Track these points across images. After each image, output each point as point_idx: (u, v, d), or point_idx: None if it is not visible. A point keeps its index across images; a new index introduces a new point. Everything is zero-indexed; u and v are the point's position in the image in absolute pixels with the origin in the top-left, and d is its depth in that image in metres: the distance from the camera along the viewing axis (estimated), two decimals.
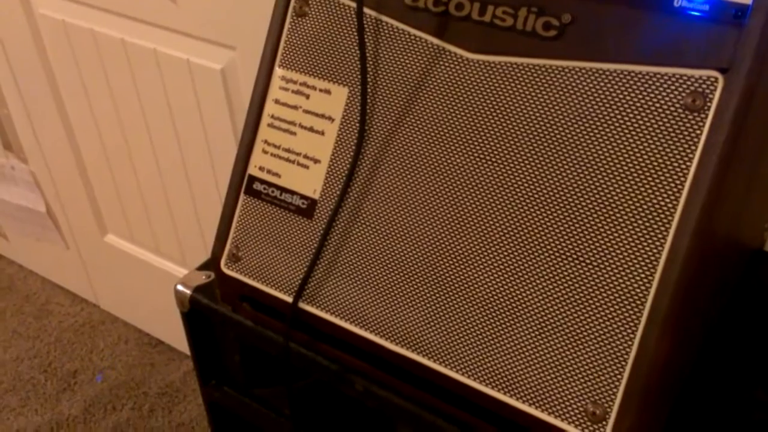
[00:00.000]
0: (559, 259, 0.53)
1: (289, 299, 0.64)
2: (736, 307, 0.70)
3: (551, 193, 0.53)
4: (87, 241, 1.63)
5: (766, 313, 0.70)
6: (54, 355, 1.63)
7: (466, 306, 0.57)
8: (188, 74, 1.16)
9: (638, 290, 0.51)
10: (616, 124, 0.51)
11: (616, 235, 0.51)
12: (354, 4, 0.61)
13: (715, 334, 0.67)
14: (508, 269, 0.55)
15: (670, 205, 0.49)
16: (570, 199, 0.53)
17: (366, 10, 0.60)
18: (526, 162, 0.54)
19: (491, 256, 0.56)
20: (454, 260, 0.57)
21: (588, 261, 0.52)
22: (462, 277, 0.57)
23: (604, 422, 0.52)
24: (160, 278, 1.52)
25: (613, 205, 0.51)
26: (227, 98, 1.14)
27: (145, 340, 1.66)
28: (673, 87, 0.49)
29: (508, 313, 0.55)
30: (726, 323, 0.69)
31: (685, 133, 0.49)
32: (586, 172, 0.52)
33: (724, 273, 0.63)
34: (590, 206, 0.52)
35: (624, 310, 0.51)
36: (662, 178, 0.49)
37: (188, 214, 1.37)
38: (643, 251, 0.50)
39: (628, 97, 0.50)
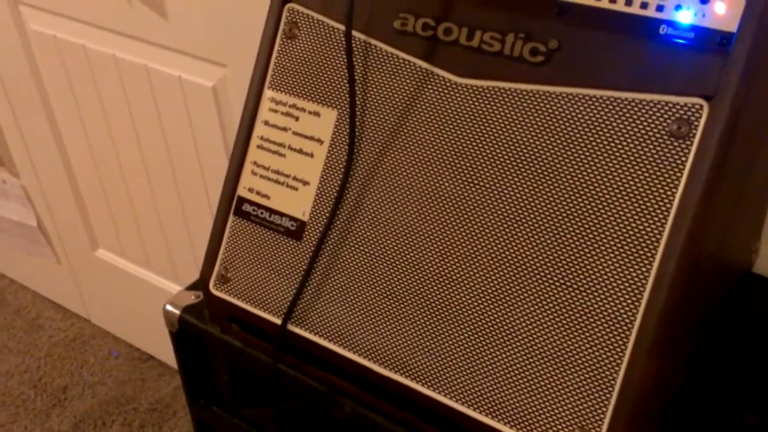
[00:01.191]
0: (547, 284, 0.53)
1: (278, 321, 0.64)
2: (724, 329, 0.70)
3: (538, 218, 0.53)
4: (78, 255, 1.63)
5: (755, 335, 0.70)
6: (44, 370, 1.62)
7: (454, 330, 0.57)
8: (180, 91, 1.16)
9: (625, 315, 0.51)
10: (602, 150, 0.51)
11: (602, 260, 0.51)
12: (343, 27, 0.61)
13: (704, 356, 0.67)
14: (495, 293, 0.55)
15: (656, 231, 0.49)
16: (557, 224, 0.53)
17: (355, 33, 0.60)
18: (513, 186, 0.54)
19: (479, 280, 0.56)
20: (443, 284, 0.57)
21: (575, 286, 0.52)
22: (450, 301, 0.57)
23: None
24: (151, 293, 1.51)
25: (600, 230, 0.51)
26: (218, 115, 1.14)
27: (136, 355, 1.65)
28: (658, 114, 0.49)
29: (495, 338, 0.55)
30: (714, 345, 0.69)
31: (671, 159, 0.49)
32: (573, 198, 0.52)
33: (711, 296, 0.64)
34: (577, 232, 0.52)
35: (611, 334, 0.51)
36: (648, 203, 0.50)
37: (179, 230, 1.37)
38: (629, 276, 0.50)
39: (613, 123, 0.51)
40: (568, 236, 0.52)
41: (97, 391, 1.57)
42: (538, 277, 0.53)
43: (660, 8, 0.49)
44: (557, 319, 0.53)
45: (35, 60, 1.35)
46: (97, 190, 1.47)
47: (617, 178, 0.51)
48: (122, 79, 1.23)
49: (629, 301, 0.51)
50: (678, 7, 0.48)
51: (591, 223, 0.52)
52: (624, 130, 0.50)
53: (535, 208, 0.54)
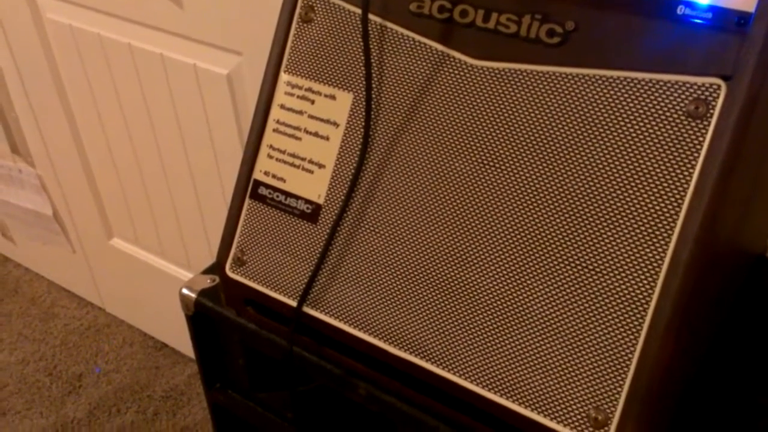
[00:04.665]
0: (563, 265, 0.53)
1: (294, 303, 0.64)
2: (739, 313, 0.70)
3: (554, 199, 0.54)
4: (93, 244, 1.64)
5: None
6: (59, 358, 1.64)
7: (469, 311, 0.57)
8: (194, 79, 1.16)
9: (640, 296, 0.51)
10: (619, 131, 0.51)
11: (618, 241, 0.51)
12: (359, 11, 0.61)
13: (719, 339, 0.67)
14: (511, 275, 0.55)
15: (672, 212, 0.49)
16: (573, 205, 0.53)
17: (371, 16, 0.61)
18: (530, 168, 0.54)
19: (495, 261, 0.56)
20: (458, 265, 0.57)
21: (591, 267, 0.52)
22: (466, 283, 0.57)
23: (606, 428, 0.52)
24: (166, 282, 1.52)
25: (616, 212, 0.51)
26: (233, 103, 1.14)
27: (150, 344, 1.66)
28: (676, 94, 0.49)
29: (511, 319, 0.55)
30: (729, 329, 0.69)
31: (688, 140, 0.49)
32: (589, 179, 0.52)
33: (726, 279, 0.63)
34: (593, 212, 0.52)
35: (626, 316, 0.51)
36: (665, 184, 0.50)
37: (194, 218, 1.37)
38: (645, 257, 0.50)
39: (631, 104, 0.51)
40: (584, 217, 0.52)
41: (112, 378, 1.58)
42: (553, 258, 0.54)
43: None
44: (572, 300, 0.53)
45: (51, 49, 1.36)
46: (113, 179, 1.47)
47: (634, 159, 0.51)
48: (137, 68, 1.24)
49: (645, 283, 0.51)
50: None
51: (607, 204, 0.52)
52: (641, 111, 0.50)
53: (551, 189, 0.54)
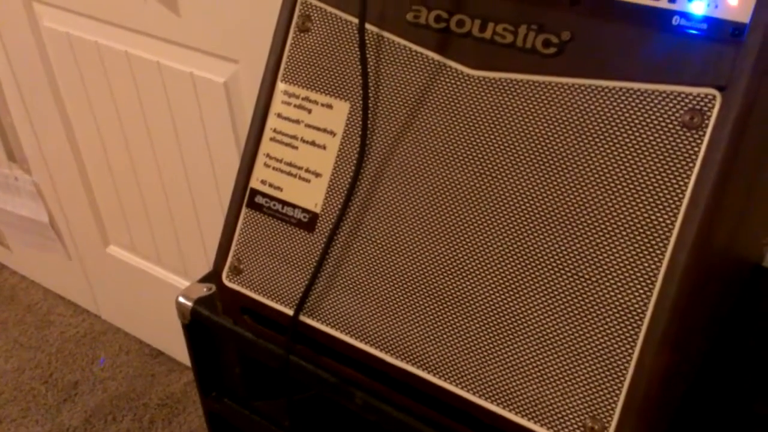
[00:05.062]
0: (559, 275, 0.53)
1: (290, 312, 0.64)
2: (735, 322, 0.71)
3: (550, 209, 0.54)
4: (89, 251, 1.64)
5: (766, 327, 0.70)
6: (55, 366, 1.63)
7: (465, 320, 0.57)
8: (191, 87, 1.16)
9: (637, 305, 0.51)
10: (615, 141, 0.51)
11: (615, 250, 0.51)
12: (356, 20, 0.61)
13: (715, 348, 0.67)
14: (507, 284, 0.55)
15: (668, 221, 0.50)
16: (569, 215, 0.53)
17: (367, 26, 0.61)
18: (526, 178, 0.55)
19: (491, 271, 0.56)
20: (454, 275, 0.57)
21: (588, 277, 0.52)
22: (462, 292, 0.57)
23: None
24: (162, 289, 1.52)
25: (612, 221, 0.52)
26: (230, 111, 1.15)
27: (146, 351, 1.66)
28: (671, 104, 0.49)
29: (507, 328, 0.55)
30: (726, 337, 0.69)
31: (683, 150, 0.49)
32: (585, 188, 0.52)
33: (723, 287, 0.64)
34: (589, 222, 0.52)
35: (622, 325, 0.51)
36: (660, 194, 0.50)
37: (190, 226, 1.37)
38: (641, 267, 0.51)
39: (626, 114, 0.51)
40: (581, 227, 0.53)
41: (108, 386, 1.57)
42: (550, 267, 0.54)
43: None
44: (569, 310, 0.53)
45: (48, 57, 1.36)
46: (109, 187, 1.47)
47: (630, 169, 0.51)
48: (134, 76, 1.24)
49: (641, 292, 0.51)
50: None
51: (603, 214, 0.52)
52: (636, 121, 0.51)
53: (547, 199, 0.54)
